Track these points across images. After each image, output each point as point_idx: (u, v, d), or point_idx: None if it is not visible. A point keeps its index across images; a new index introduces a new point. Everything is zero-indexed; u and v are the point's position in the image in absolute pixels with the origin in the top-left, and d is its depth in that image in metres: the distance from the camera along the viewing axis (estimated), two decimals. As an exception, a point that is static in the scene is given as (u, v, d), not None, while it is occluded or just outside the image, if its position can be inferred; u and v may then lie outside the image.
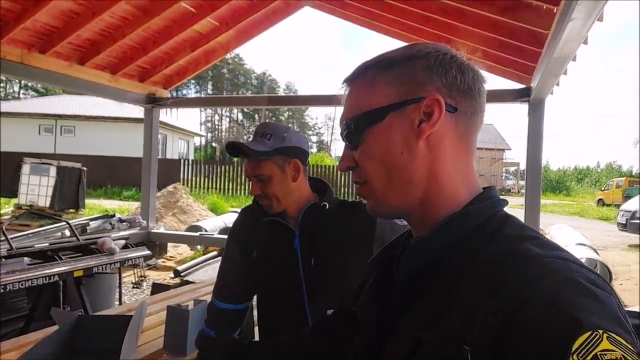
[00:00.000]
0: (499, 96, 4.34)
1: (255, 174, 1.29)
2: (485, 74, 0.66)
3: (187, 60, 5.32)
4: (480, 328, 0.48)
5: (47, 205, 10.09)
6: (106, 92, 5.13)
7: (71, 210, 10.53)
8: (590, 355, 0.41)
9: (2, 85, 39.26)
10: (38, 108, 21.54)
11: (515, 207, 17.20)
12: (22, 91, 39.42)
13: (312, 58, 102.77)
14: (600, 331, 0.42)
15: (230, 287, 1.44)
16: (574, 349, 0.41)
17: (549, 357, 0.42)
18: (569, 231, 8.80)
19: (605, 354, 0.41)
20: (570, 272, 0.48)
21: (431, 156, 0.61)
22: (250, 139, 1.33)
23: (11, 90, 40.28)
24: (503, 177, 32.74)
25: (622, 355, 0.41)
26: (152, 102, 5.57)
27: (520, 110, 4.25)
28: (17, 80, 34.32)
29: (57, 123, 20.94)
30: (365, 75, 0.64)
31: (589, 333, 0.42)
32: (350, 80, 0.66)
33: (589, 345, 0.41)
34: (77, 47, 4.47)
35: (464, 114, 0.62)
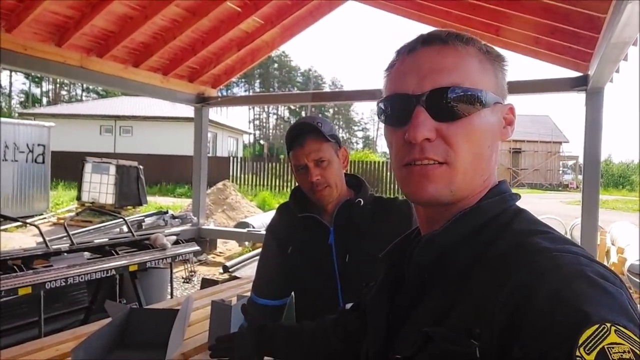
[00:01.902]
0: (554, 85, 4.11)
1: (316, 157, 1.28)
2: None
3: (234, 60, 5.43)
4: (489, 322, 0.48)
5: (109, 202, 10.68)
6: (158, 92, 5.33)
7: (129, 207, 11.08)
8: (598, 349, 0.41)
9: (65, 88, 41.82)
10: (99, 109, 22.77)
11: (573, 204, 16.33)
12: (84, 94, 41.84)
13: (357, 53, 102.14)
14: (608, 324, 0.42)
15: (268, 283, 1.45)
16: (581, 341, 0.41)
17: (556, 350, 0.42)
18: (632, 229, 8.24)
19: (613, 347, 0.41)
20: (579, 266, 0.48)
21: (495, 158, 0.63)
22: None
23: (74, 93, 42.86)
24: (560, 172, 31.12)
25: (630, 349, 0.41)
26: (202, 102, 5.73)
27: (578, 100, 4.00)
28: (78, 84, 36.44)
29: (117, 123, 22.04)
30: (467, 47, 0.60)
31: (597, 326, 0.42)
32: (443, 42, 0.60)
33: (597, 338, 0.41)
34: (131, 50, 4.67)
35: None
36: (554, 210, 13.04)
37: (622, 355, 0.41)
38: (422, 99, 0.57)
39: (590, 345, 0.41)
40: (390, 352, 0.62)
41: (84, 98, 39.79)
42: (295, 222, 1.37)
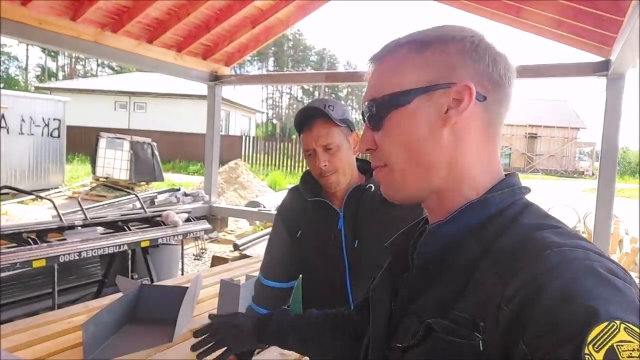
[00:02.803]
0: (574, 70, 4.01)
1: (325, 143, 1.25)
2: (514, 66, 0.62)
3: (248, 38, 5.36)
4: (493, 315, 0.48)
5: (123, 177, 10.80)
6: (172, 69, 5.30)
7: (142, 183, 11.20)
8: (607, 347, 0.40)
9: (81, 62, 42.00)
10: (113, 85, 22.85)
11: (587, 191, 16.10)
12: (99, 68, 42.00)
13: (372, 33, 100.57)
14: (618, 322, 0.41)
15: (276, 265, 1.45)
16: (589, 339, 0.40)
17: (563, 348, 0.41)
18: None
19: (622, 345, 0.40)
20: (589, 261, 0.47)
21: (454, 144, 0.59)
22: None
23: (89, 68, 43.05)
24: (576, 158, 30.59)
25: None
26: (215, 80, 5.70)
27: (599, 85, 3.89)
28: (93, 58, 36.52)
29: (131, 99, 22.12)
30: (394, 55, 0.62)
31: (606, 323, 0.41)
32: (378, 59, 0.64)
33: (606, 336, 0.41)
34: (145, 26, 4.63)
35: (492, 103, 0.60)
36: (568, 197, 12.88)
37: (631, 353, 0.40)
38: (366, 116, 0.64)
39: (599, 343, 0.40)
40: (391, 342, 0.62)
41: (98, 73, 39.96)
42: (305, 206, 1.36)
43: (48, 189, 10.90)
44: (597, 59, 3.88)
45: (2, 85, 35.98)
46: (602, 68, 3.82)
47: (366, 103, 0.64)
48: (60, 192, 11.02)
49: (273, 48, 45.46)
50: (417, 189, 0.62)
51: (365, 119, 0.64)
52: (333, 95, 44.41)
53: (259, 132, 32.07)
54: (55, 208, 3.58)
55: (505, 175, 0.63)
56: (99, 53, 4.58)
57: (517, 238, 0.53)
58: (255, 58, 45.52)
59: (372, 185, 1.29)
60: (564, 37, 3.79)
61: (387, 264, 0.72)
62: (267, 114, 48.89)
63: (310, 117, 1.27)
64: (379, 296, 0.69)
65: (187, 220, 4.07)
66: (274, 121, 47.18)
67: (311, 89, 47.05)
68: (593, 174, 26.39)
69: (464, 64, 0.58)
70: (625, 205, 12.17)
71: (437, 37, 0.60)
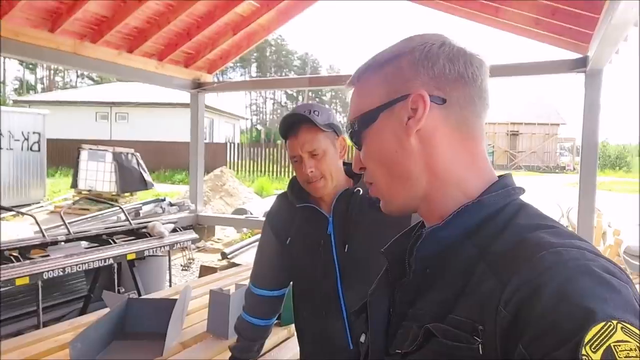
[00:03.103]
0: (552, 67, 4.08)
1: (310, 149, 1.24)
2: (483, 58, 0.63)
3: (230, 44, 5.34)
4: (492, 318, 0.48)
5: (106, 189, 10.63)
6: (153, 78, 5.25)
7: (127, 195, 11.04)
8: (604, 347, 0.40)
9: (60, 74, 41.39)
10: (94, 96, 22.52)
11: (570, 186, 16.37)
12: (78, 80, 41.43)
13: (354, 36, 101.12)
14: (614, 322, 0.41)
15: (266, 273, 1.44)
16: (587, 340, 0.41)
17: (561, 349, 0.42)
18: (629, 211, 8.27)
19: (619, 345, 0.40)
20: (585, 261, 0.47)
21: (424, 151, 0.61)
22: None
23: (68, 80, 42.44)
24: (558, 154, 31.09)
25: (637, 346, 0.41)
26: (197, 87, 5.66)
27: (577, 82, 3.96)
28: (73, 69, 35.99)
29: (112, 110, 21.83)
30: (360, 78, 0.67)
31: (603, 324, 0.41)
32: (352, 83, 0.68)
33: (603, 336, 0.41)
34: (125, 35, 4.58)
35: (455, 104, 0.61)
36: (552, 192, 13.08)
37: (628, 353, 0.40)
38: (349, 137, 0.69)
39: (596, 343, 0.40)
40: (390, 348, 0.62)
41: (78, 84, 39.42)
42: (293, 212, 1.35)
43: (29, 204, 10.68)
44: (575, 55, 3.95)
45: (-22, 99, 35.27)
46: (580, 65, 3.89)
47: (348, 125, 0.68)
48: (42, 206, 10.81)
49: (255, 54, 45.36)
50: (405, 199, 0.64)
51: (351, 140, 0.69)
52: (317, 100, 44.48)
53: (243, 139, 31.91)
54: (38, 224, 3.50)
55: (499, 176, 0.63)
56: (78, 64, 4.52)
57: (513, 239, 0.53)
58: (238, 64, 45.38)
59: (360, 188, 1.28)
60: (542, 36, 3.86)
61: (383, 270, 0.72)
62: (252, 120, 48.74)
63: (295, 124, 1.26)
64: (377, 302, 0.69)
65: (174, 230, 4.02)
66: (259, 127, 47.03)
67: (295, 94, 47.07)
68: (574, 169, 26.88)
69: (417, 74, 0.60)
70: (607, 198, 12.40)
71: (392, 53, 0.63)
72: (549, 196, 10.25)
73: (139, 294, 3.51)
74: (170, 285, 4.04)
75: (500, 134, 29.38)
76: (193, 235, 4.16)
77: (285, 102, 50.61)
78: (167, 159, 17.81)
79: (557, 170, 28.01)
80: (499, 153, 29.43)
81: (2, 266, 2.70)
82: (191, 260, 6.08)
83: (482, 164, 0.63)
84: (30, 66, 38.66)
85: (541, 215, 0.58)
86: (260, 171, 17.00)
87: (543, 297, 0.44)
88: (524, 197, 0.63)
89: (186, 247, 5.51)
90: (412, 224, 0.73)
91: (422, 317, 0.56)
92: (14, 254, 2.94)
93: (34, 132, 11.35)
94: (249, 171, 17.06)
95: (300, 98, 45.16)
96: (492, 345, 0.47)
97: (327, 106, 1.38)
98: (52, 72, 40.70)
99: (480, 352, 0.48)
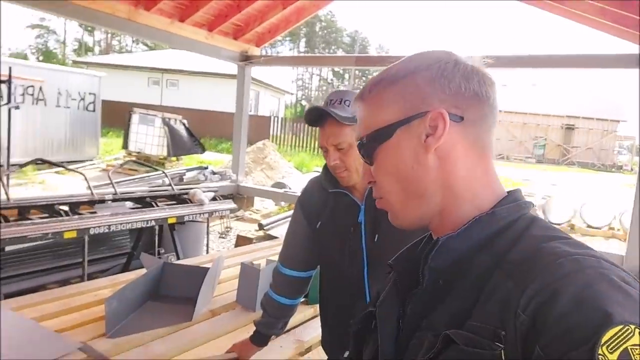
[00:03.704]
0: (617, 61, 3.83)
1: (335, 142, 1.24)
2: (493, 77, 0.63)
3: (279, 18, 5.32)
4: (511, 323, 0.48)
5: (155, 153, 11.03)
6: (203, 48, 5.32)
7: (173, 159, 11.41)
8: (621, 349, 0.41)
9: (117, 38, 42.74)
10: (147, 62, 23.15)
11: (626, 187, 15.48)
12: (134, 45, 42.64)
13: (406, 17, 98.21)
14: (632, 326, 0.42)
15: (294, 254, 1.45)
16: (603, 341, 0.41)
17: (578, 349, 0.42)
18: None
19: (636, 349, 0.41)
20: (602, 269, 0.48)
21: (442, 168, 0.61)
22: (326, 105, 1.28)
23: (124, 44, 43.77)
24: (615, 152, 29.38)
25: None
26: (245, 60, 5.70)
27: (643, 78, 3.69)
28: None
29: (163, 76, 22.40)
30: (373, 92, 0.66)
31: (621, 327, 0.42)
32: (362, 97, 0.67)
33: (620, 339, 0.42)
34: (178, 4, 4.65)
35: (471, 121, 0.62)
36: (605, 192, 12.43)
37: None
38: (360, 152, 0.68)
39: (613, 344, 0.41)
40: (402, 358, 0.62)
41: (133, 49, 40.57)
42: (325, 197, 1.34)
43: (83, 161, 11.24)
44: (643, 50, 3.68)
45: (41, 58, 37.06)
46: (648, 60, 3.63)
47: (358, 140, 0.68)
48: (95, 164, 11.36)
49: (305, 29, 45.02)
50: (417, 215, 0.64)
51: (360, 154, 0.68)
52: (363, 78, 43.85)
53: (287, 113, 32.04)
54: (87, 181, 3.68)
55: (509, 191, 0.64)
56: (132, 30, 4.63)
57: (530, 248, 0.53)
58: (287, 39, 45.26)
59: None
60: (607, 26, 3.61)
61: (392, 281, 0.71)
62: (297, 95, 48.78)
63: (320, 117, 1.24)
64: (386, 312, 0.68)
65: (213, 199, 4.12)
66: (303, 102, 47.06)
67: (341, 71, 46.56)
68: (632, 169, 25.35)
69: (434, 91, 0.61)
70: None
71: (407, 69, 0.63)
72: (602, 196, 9.75)
73: (178, 257, 3.65)
74: (207, 251, 4.18)
75: (554, 126, 28.04)
76: (231, 205, 4.26)
77: (332, 79, 50.23)
78: (213, 127, 18.16)
79: (613, 170, 26.52)
80: (551, 147, 28.16)
81: (52, 219, 2.86)
82: (229, 229, 6.25)
83: (493, 178, 0.64)
84: (89, 29, 40.09)
85: (553, 227, 0.59)
86: (302, 146, 17.07)
87: (561, 301, 0.45)
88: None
89: (224, 216, 5.66)
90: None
91: (437, 326, 0.56)
92: (64, 208, 3.11)
93: (89, 93, 11.84)
94: (291, 146, 17.17)
95: (346, 76, 44.64)
96: (513, 351, 0.48)
97: None
98: (109, 35, 42.07)
99: (503, 357, 0.48)
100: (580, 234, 7.36)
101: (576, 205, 8.20)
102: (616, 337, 0.41)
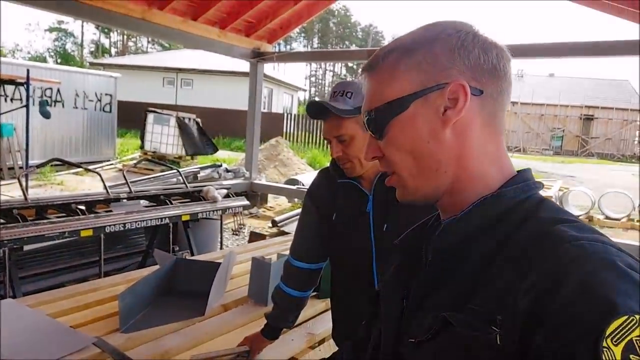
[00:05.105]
0: (636, 48, 3.72)
1: (337, 135, 1.24)
2: (509, 53, 0.60)
3: (291, 14, 5.32)
4: (511, 309, 0.47)
5: (169, 152, 11.17)
6: (215, 46, 5.36)
7: (188, 158, 11.54)
8: (626, 341, 0.40)
9: (132, 39, 43.28)
10: (162, 62, 23.41)
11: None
12: (149, 45, 43.14)
13: (420, 9, 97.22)
14: (637, 316, 0.41)
15: (305, 246, 1.45)
16: (608, 332, 0.40)
17: (581, 340, 0.41)
18: None
19: None
20: (608, 255, 0.46)
21: (458, 142, 0.59)
22: (329, 98, 1.28)
23: (140, 45, 44.30)
24: (636, 142, 28.72)
25: None
26: (257, 57, 5.71)
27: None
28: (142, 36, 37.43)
29: (178, 76, 22.63)
30: (385, 63, 0.62)
31: (625, 317, 0.41)
32: (370, 69, 0.64)
33: (625, 330, 0.41)
34: (190, 2, 4.69)
35: (490, 96, 0.59)
36: (625, 183, 12.16)
37: None
38: (367, 125, 0.64)
39: (618, 336, 0.40)
40: (404, 337, 0.61)
41: (148, 50, 41.04)
42: (334, 187, 1.35)
43: (101, 162, 11.43)
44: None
45: (59, 60, 37.72)
46: (669, 47, 3.53)
47: (366, 113, 0.64)
48: (112, 164, 11.53)
49: (319, 24, 44.93)
50: (429, 190, 0.62)
51: (367, 128, 0.64)
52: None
53: (301, 110, 32.06)
54: (102, 181, 3.73)
55: (518, 171, 0.62)
56: (146, 30, 4.68)
57: (535, 231, 0.52)
58: (302, 35, 45.23)
59: None
60: (628, 12, 3.52)
61: (397, 261, 0.71)
62: (310, 91, 48.78)
63: (320, 111, 1.24)
64: (391, 292, 0.68)
65: (227, 196, 4.14)
66: (317, 99, 46.99)
67: (355, 66, 46.37)
68: (654, 160, 24.74)
69: (454, 62, 0.58)
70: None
71: (424, 38, 0.60)
72: (622, 187, 9.54)
73: (192, 254, 3.68)
74: (221, 248, 4.21)
75: (573, 117, 27.53)
76: (244, 202, 4.28)
77: (345, 75, 50.05)
78: (227, 126, 18.27)
79: (633, 160, 25.94)
80: (569, 138, 27.67)
81: (69, 218, 2.91)
82: (242, 226, 6.29)
83: (504, 156, 0.62)
84: (105, 31, 40.67)
85: (561, 209, 0.57)
86: (315, 143, 17.05)
87: (565, 289, 0.44)
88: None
89: (238, 213, 5.69)
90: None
91: (438, 307, 0.56)
92: (81, 207, 3.16)
93: (106, 94, 12.02)
94: (304, 143, 17.17)
95: (360, 71, 44.38)
96: (509, 336, 0.47)
97: None
98: (125, 37, 42.61)
99: (498, 341, 0.48)
100: (598, 226, 7.24)
101: (594, 196, 8.07)
102: (621, 328, 0.40)
